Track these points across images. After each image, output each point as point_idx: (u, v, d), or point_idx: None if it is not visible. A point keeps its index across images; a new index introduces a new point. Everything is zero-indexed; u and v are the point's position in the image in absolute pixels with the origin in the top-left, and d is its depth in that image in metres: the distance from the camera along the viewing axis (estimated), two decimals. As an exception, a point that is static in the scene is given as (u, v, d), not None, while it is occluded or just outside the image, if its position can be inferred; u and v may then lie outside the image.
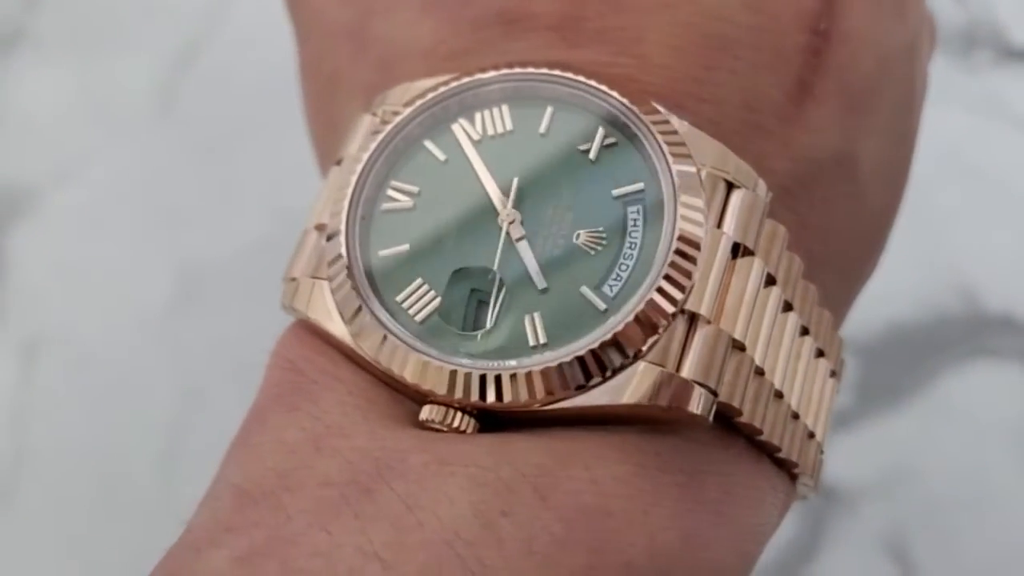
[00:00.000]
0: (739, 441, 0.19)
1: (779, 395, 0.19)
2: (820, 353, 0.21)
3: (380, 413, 0.18)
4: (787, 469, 0.20)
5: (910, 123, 0.23)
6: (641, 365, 0.17)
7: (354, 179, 0.19)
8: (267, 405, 0.19)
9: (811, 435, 0.20)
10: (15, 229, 0.54)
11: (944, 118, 0.49)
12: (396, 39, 0.21)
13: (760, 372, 0.18)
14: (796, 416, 0.20)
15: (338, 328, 0.18)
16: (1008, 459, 0.44)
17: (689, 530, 0.17)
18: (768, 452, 0.19)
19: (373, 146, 0.19)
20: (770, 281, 0.19)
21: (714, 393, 0.17)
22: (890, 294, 0.47)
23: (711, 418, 0.17)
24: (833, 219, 0.21)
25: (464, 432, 0.17)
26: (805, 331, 0.20)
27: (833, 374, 0.22)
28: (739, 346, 0.18)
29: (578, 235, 0.18)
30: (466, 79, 0.19)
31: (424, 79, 0.19)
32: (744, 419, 0.18)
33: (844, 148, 0.20)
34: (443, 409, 0.17)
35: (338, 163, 0.20)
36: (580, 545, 0.16)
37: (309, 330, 0.19)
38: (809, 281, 0.20)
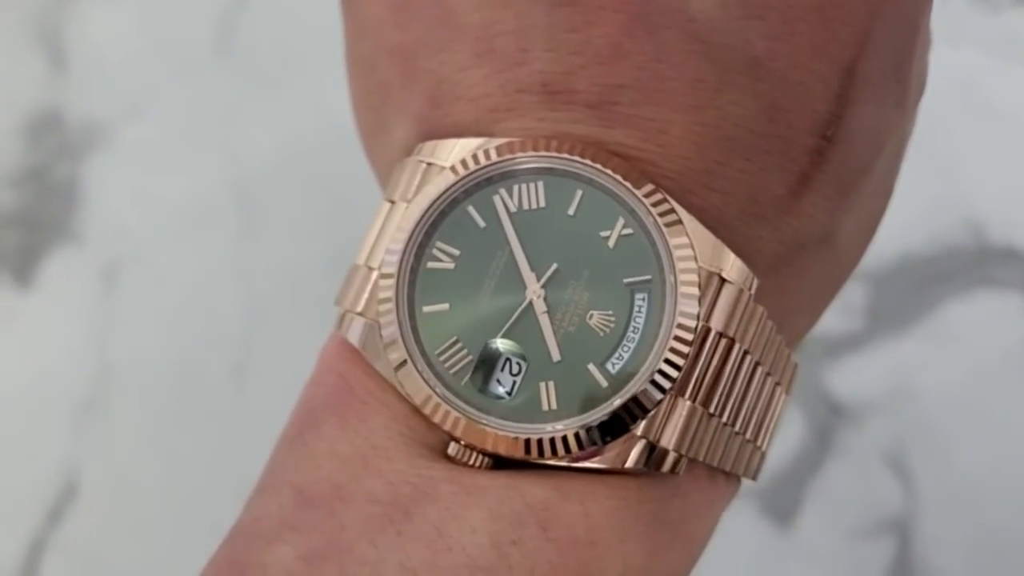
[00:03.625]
0: (700, 466, 0.21)
1: (738, 433, 0.22)
2: (778, 382, 0.23)
3: (418, 442, 0.20)
4: (735, 477, 0.23)
5: (892, 180, 0.24)
6: (629, 436, 0.20)
7: (405, 238, 0.21)
8: (320, 411, 0.21)
9: (758, 447, 0.23)
10: (91, 161, 0.57)
11: (961, 56, 0.50)
12: (445, 79, 0.22)
13: (726, 424, 0.21)
14: (750, 441, 0.22)
15: (385, 369, 0.21)
16: (1004, 382, 0.47)
17: (653, 548, 0.20)
18: (720, 470, 0.22)
19: (422, 209, 0.21)
20: (746, 351, 0.21)
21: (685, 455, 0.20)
22: (902, 226, 0.48)
23: (680, 472, 0.20)
24: (809, 282, 0.23)
25: (481, 469, 0.20)
26: (769, 373, 0.22)
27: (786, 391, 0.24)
28: (712, 413, 0.21)
29: (591, 316, 0.20)
30: (508, 155, 0.21)
31: (471, 138, 0.21)
32: (706, 462, 0.21)
33: (830, 227, 0.22)
34: (465, 449, 0.20)
35: (390, 202, 0.22)
36: (570, 572, 0.19)
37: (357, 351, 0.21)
38: (779, 332, 0.22)
